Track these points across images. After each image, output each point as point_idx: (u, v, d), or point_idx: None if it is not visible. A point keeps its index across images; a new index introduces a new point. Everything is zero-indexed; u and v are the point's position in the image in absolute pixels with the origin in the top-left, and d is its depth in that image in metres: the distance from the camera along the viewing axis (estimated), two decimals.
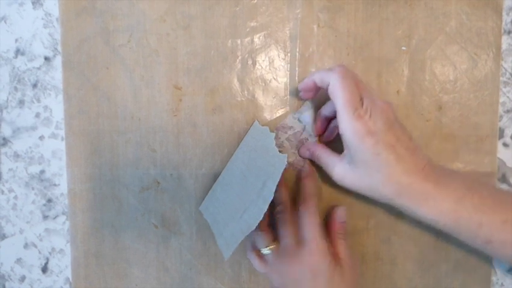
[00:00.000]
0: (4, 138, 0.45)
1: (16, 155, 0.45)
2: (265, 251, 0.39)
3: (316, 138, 0.43)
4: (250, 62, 0.43)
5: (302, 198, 0.40)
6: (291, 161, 0.43)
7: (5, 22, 0.44)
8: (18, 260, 0.47)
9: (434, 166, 0.36)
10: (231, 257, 0.44)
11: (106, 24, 0.43)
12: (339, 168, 0.37)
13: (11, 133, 0.45)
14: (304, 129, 0.42)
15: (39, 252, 0.46)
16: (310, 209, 0.38)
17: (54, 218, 0.46)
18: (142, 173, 0.44)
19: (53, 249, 0.46)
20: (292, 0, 0.42)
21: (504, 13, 0.42)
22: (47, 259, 0.47)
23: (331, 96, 0.35)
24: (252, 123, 0.43)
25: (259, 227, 0.38)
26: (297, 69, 0.43)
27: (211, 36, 0.43)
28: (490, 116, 0.42)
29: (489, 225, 0.34)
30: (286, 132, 0.43)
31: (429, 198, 0.34)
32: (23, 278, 0.47)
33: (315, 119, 0.42)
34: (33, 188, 0.46)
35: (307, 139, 0.42)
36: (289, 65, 0.43)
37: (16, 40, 0.44)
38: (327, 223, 0.41)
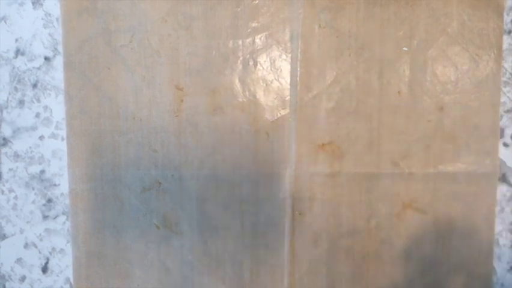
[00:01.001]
0: (4, 138, 0.45)
1: (16, 155, 0.45)
2: None
3: None
4: (251, 63, 0.43)
5: None
6: None
7: (5, 22, 0.44)
8: (19, 260, 0.47)
9: None
10: (232, 257, 0.45)
11: (108, 25, 0.43)
12: None
13: (11, 133, 0.45)
14: None
15: (40, 252, 0.46)
16: None
17: (55, 218, 0.46)
18: (143, 173, 0.44)
19: (53, 249, 0.46)
20: (293, 1, 0.42)
21: (505, 13, 0.42)
22: (47, 259, 0.46)
23: None
24: None
25: None
26: (298, 69, 0.43)
27: (212, 37, 0.43)
28: (491, 117, 0.43)
29: None
30: None
31: None
32: (23, 278, 0.47)
33: None
34: (33, 188, 0.46)
35: None
36: (290, 65, 0.43)
37: (16, 40, 0.44)
38: None
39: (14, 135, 0.45)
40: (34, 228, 0.46)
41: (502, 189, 0.44)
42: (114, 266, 0.45)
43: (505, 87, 0.43)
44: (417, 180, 0.44)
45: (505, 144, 0.43)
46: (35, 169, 0.45)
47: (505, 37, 0.43)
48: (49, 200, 0.46)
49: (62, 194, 0.45)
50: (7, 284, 0.47)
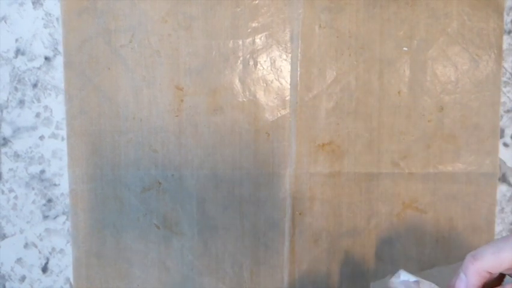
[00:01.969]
0: (4, 138, 0.45)
1: (16, 155, 0.45)
2: None
3: None
4: (251, 63, 0.43)
5: None
6: None
7: (5, 22, 0.44)
8: (19, 260, 0.47)
9: None
10: (232, 257, 0.45)
11: (108, 25, 0.43)
12: None
13: (11, 133, 0.45)
14: None
15: (40, 252, 0.46)
16: None
17: (55, 218, 0.46)
18: (143, 173, 0.44)
19: (53, 249, 0.46)
20: (293, 1, 0.42)
21: (505, 13, 0.42)
22: (47, 259, 0.46)
23: None
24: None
25: None
26: (298, 69, 0.43)
27: (212, 37, 0.43)
28: (491, 117, 0.43)
29: None
30: None
31: None
32: (23, 278, 0.47)
33: None
34: (33, 188, 0.46)
35: None
36: (290, 65, 0.43)
37: (16, 40, 0.44)
38: None
39: (14, 135, 0.45)
40: (34, 228, 0.46)
41: (502, 189, 0.44)
42: (114, 266, 0.45)
43: (505, 87, 0.43)
44: (417, 180, 0.44)
45: (505, 144, 0.43)
46: (35, 169, 0.45)
47: (505, 37, 0.43)
48: (49, 200, 0.46)
49: (62, 194, 0.45)
50: (7, 284, 0.47)
